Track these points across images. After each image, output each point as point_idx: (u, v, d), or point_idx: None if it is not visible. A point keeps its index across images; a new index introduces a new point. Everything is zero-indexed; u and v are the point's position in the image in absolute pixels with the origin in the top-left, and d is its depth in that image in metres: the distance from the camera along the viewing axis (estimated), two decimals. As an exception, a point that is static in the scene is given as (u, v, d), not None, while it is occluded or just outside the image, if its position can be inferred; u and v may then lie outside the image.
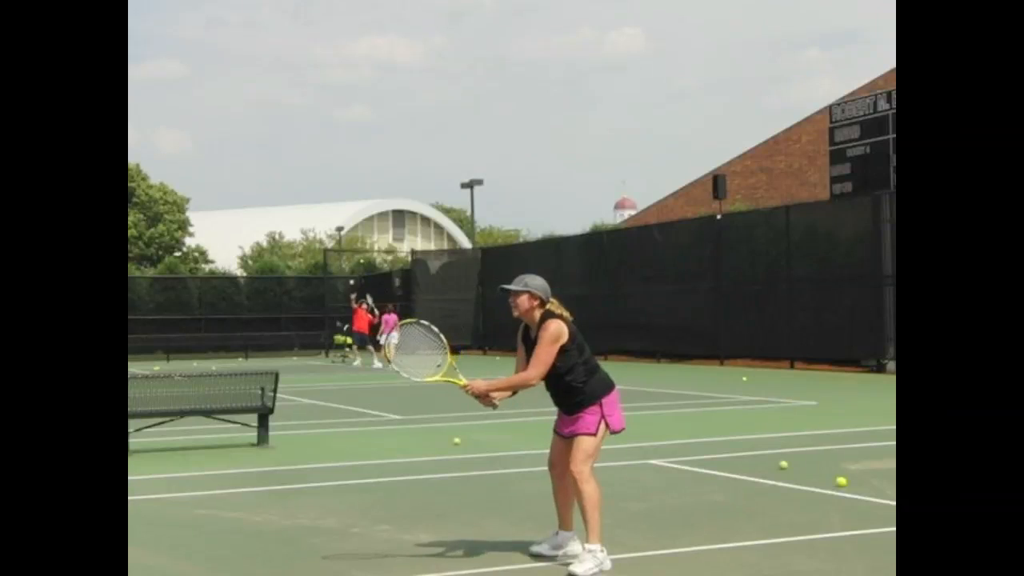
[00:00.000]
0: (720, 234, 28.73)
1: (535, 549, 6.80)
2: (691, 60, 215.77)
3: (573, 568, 6.34)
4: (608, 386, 6.68)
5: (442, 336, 6.82)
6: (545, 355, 6.53)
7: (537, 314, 6.65)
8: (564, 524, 6.78)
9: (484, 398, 6.63)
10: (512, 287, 6.69)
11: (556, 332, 6.55)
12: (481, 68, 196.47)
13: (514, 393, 6.76)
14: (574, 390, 6.58)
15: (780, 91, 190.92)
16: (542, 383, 6.66)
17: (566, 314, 6.68)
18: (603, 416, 6.58)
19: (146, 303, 43.20)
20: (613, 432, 6.65)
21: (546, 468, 6.87)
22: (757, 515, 8.03)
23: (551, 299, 6.72)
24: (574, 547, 6.66)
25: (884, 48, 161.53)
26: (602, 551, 6.39)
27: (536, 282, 6.70)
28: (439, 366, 6.77)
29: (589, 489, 6.47)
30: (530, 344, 6.69)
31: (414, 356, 6.80)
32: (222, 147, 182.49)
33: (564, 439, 6.68)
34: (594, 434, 6.56)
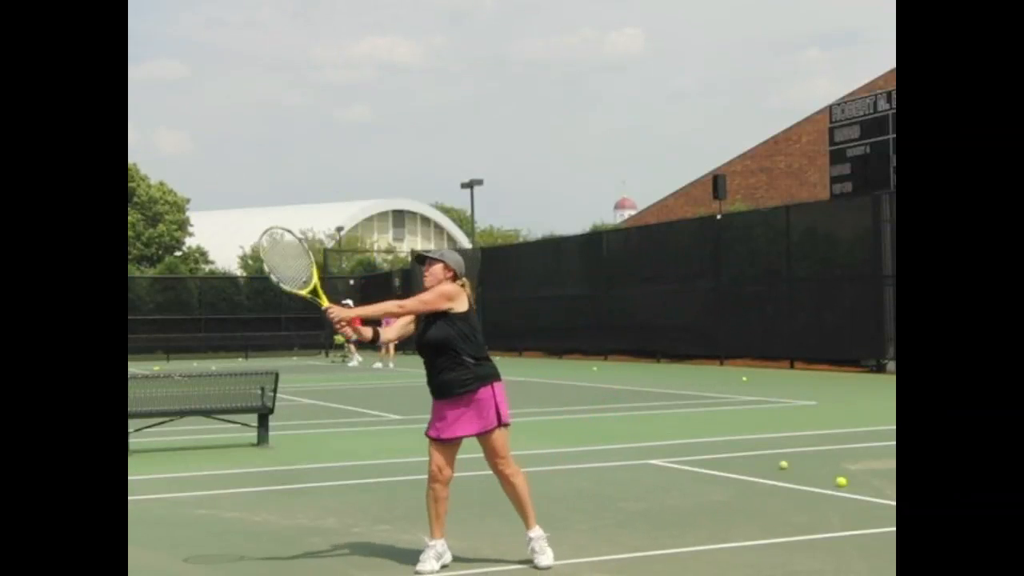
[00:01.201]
0: (720, 234, 28.73)
1: (423, 568, 6.34)
2: (691, 60, 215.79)
3: (539, 561, 6.36)
4: (498, 375, 6.50)
5: (310, 253, 6.78)
6: (429, 298, 6.40)
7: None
8: (441, 532, 6.48)
9: (343, 324, 6.44)
10: (429, 254, 6.65)
11: (452, 290, 6.44)
12: (481, 68, 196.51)
13: (376, 338, 6.64)
14: (463, 367, 6.35)
15: (780, 91, 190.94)
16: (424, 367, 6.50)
17: (471, 294, 6.57)
18: (496, 405, 6.37)
19: (146, 303, 43.23)
20: (501, 425, 6.43)
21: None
22: (757, 515, 8.02)
23: (464, 279, 6.60)
24: (541, 541, 6.45)
25: (884, 48, 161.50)
26: (538, 528, 6.47)
27: (453, 256, 6.65)
28: (306, 282, 6.68)
29: (520, 480, 6.48)
30: (424, 318, 6.53)
31: (286, 265, 6.71)
32: (222, 147, 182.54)
33: (456, 443, 6.44)
34: (507, 424, 6.43)
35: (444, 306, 6.41)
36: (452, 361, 6.39)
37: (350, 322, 6.50)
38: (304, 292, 6.67)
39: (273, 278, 6.70)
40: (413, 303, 6.52)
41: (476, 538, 7.30)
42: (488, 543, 7.15)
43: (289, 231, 6.81)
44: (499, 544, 7.09)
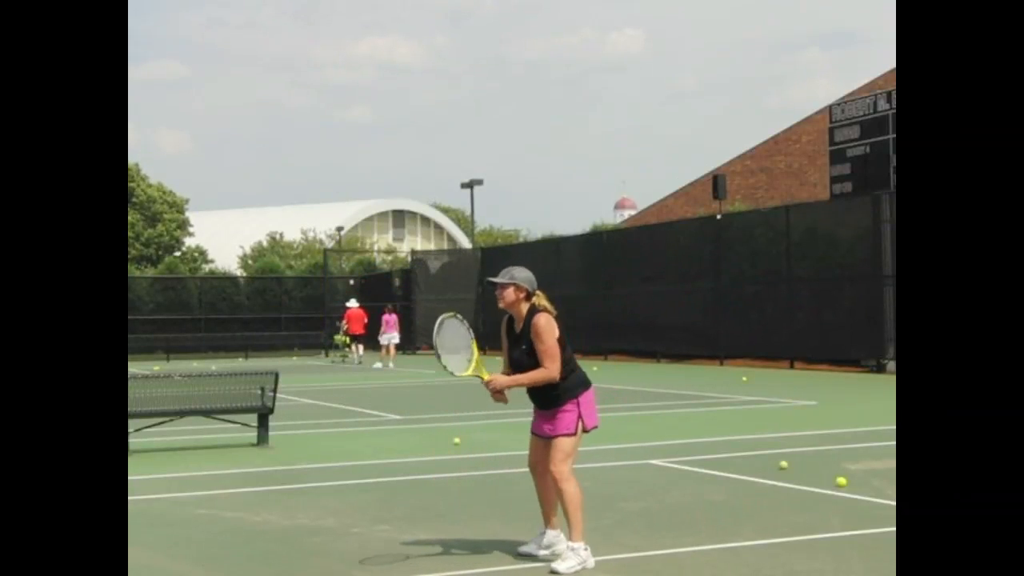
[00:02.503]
0: (720, 234, 28.73)
1: (524, 549, 6.83)
2: (691, 60, 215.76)
3: (556, 566, 6.36)
4: (586, 384, 6.70)
5: (470, 329, 6.89)
6: (553, 348, 6.56)
7: (524, 307, 6.65)
8: (549, 523, 6.81)
9: (500, 393, 6.67)
10: (498, 280, 6.69)
11: (550, 324, 6.57)
12: (482, 69, 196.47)
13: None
14: (554, 385, 6.58)
15: (780, 91, 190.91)
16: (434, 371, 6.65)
17: (551, 308, 6.67)
18: (580, 415, 6.60)
19: (146, 303, 43.21)
20: (587, 430, 6.66)
21: (524, 469, 6.90)
22: (757, 515, 8.02)
23: (537, 291, 6.71)
24: (561, 545, 6.68)
25: (884, 48, 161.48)
26: (585, 549, 6.45)
27: (523, 274, 6.70)
28: (469, 361, 6.80)
29: (570, 488, 6.52)
30: (514, 338, 6.71)
31: (456, 355, 6.80)
32: (222, 147, 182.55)
33: (543, 440, 6.69)
34: (573, 434, 6.58)
35: (558, 339, 6.58)
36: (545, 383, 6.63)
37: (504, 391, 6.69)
38: (469, 372, 6.77)
39: (442, 360, 6.75)
40: (556, 364, 6.55)
41: (476, 538, 7.31)
42: (488, 543, 7.15)
43: (457, 316, 6.91)
44: (499, 544, 7.10)
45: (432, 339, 6.72)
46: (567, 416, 6.59)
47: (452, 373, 6.74)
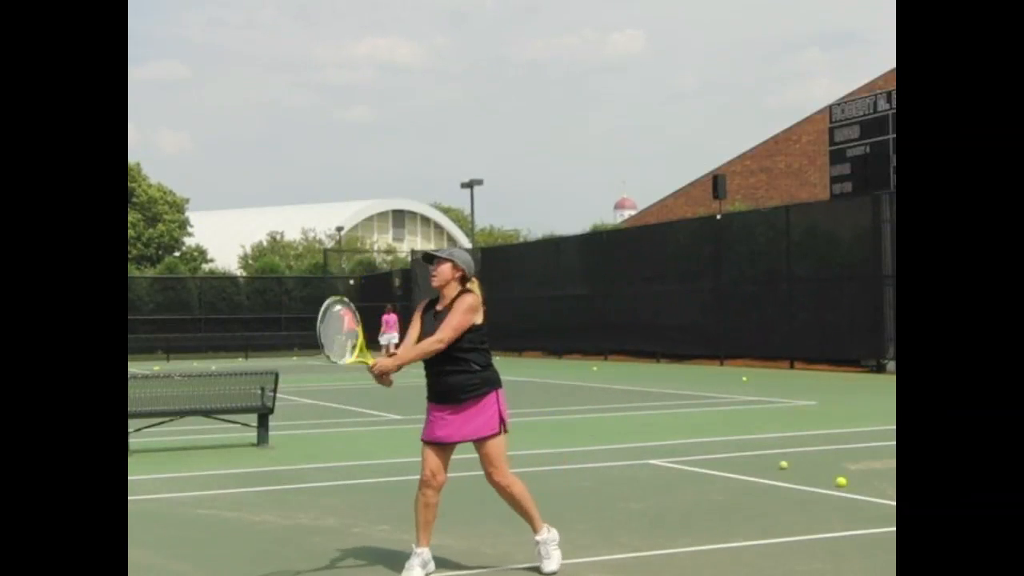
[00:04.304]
0: (720, 234, 28.74)
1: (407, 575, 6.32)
2: (691, 60, 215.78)
3: (547, 567, 6.27)
4: (499, 380, 6.38)
5: (356, 314, 6.51)
6: (458, 322, 6.17)
7: (455, 288, 6.35)
8: (427, 540, 6.36)
9: (385, 377, 6.29)
10: (438, 253, 6.44)
11: (473, 303, 6.27)
12: (482, 69, 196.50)
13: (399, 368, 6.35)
14: (471, 372, 6.22)
15: (780, 91, 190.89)
16: (423, 368, 6.34)
17: (480, 296, 6.39)
18: (500, 410, 6.25)
19: (146, 303, 43.24)
20: (507, 429, 6.36)
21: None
22: (757, 515, 8.02)
23: (473, 279, 6.46)
24: (431, 565, 6.34)
25: (884, 48, 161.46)
26: (549, 530, 6.36)
27: (463, 256, 6.46)
28: (353, 347, 6.41)
29: (519, 489, 6.33)
30: (430, 317, 6.37)
31: (335, 344, 6.41)
32: (222, 147, 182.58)
33: (445, 447, 6.27)
34: (499, 432, 6.26)
35: (472, 322, 6.26)
36: (458, 367, 6.24)
37: (388, 374, 6.30)
38: (353, 359, 6.38)
39: (325, 351, 6.38)
40: (447, 335, 6.18)
41: (476, 538, 7.31)
42: (488, 543, 7.15)
43: (343, 301, 6.56)
44: (499, 545, 7.10)
45: (316, 327, 6.39)
46: (488, 412, 6.21)
47: (335, 363, 6.40)
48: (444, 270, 6.36)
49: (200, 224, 66.69)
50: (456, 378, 6.23)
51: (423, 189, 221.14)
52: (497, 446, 6.25)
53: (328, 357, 6.33)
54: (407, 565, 6.32)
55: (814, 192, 39.04)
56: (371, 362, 6.27)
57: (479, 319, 6.31)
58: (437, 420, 6.28)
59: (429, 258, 6.47)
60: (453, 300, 6.31)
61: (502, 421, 6.27)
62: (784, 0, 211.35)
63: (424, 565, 6.32)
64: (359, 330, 6.41)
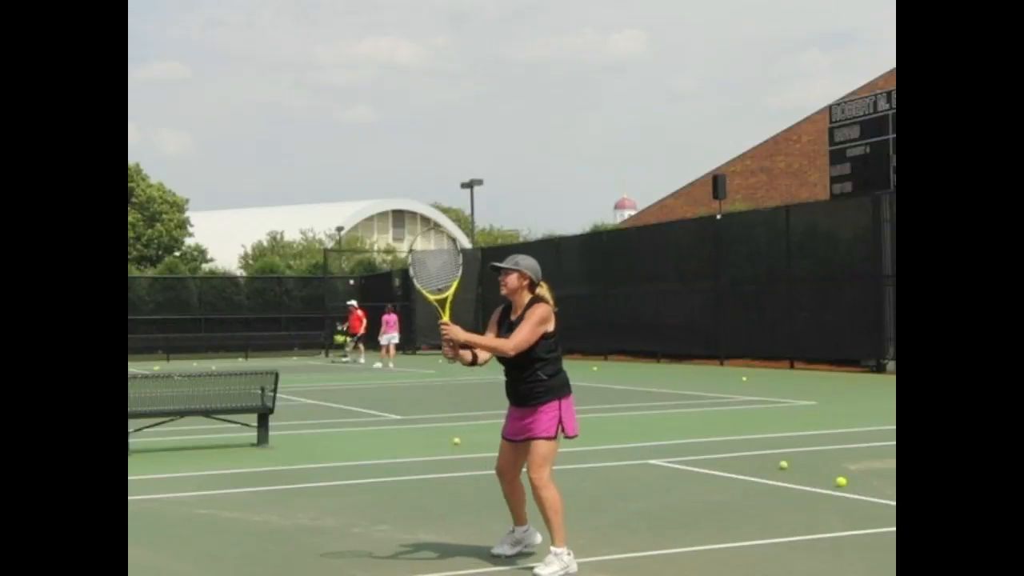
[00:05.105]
0: (720, 234, 28.74)
1: (497, 551, 6.75)
2: (691, 60, 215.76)
3: (538, 570, 6.27)
4: (568, 388, 6.54)
5: (460, 267, 6.67)
6: (529, 333, 6.35)
7: (525, 296, 6.50)
8: (519, 520, 6.73)
9: (453, 347, 6.43)
10: (503, 265, 6.55)
11: (545, 314, 6.41)
12: (482, 69, 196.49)
13: (474, 361, 6.53)
14: (538, 382, 6.41)
15: (780, 91, 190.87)
16: (502, 368, 6.53)
17: (552, 302, 6.54)
18: (560, 419, 6.42)
19: (146, 303, 43.24)
20: (568, 436, 6.52)
21: (524, 469, 6.66)
22: (757, 515, 8.02)
23: (541, 282, 6.59)
24: (535, 537, 6.68)
25: (884, 48, 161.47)
26: (568, 555, 6.32)
27: (528, 262, 6.55)
28: (440, 290, 6.57)
29: (550, 495, 6.36)
30: (507, 326, 6.52)
31: (430, 271, 6.64)
32: (223, 147, 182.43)
33: (515, 444, 6.56)
34: (551, 437, 6.41)
35: (541, 332, 6.41)
36: (529, 375, 6.44)
37: (458, 345, 6.44)
38: (434, 297, 6.56)
39: (411, 271, 6.67)
40: (516, 344, 6.36)
41: (476, 538, 7.31)
42: (488, 543, 7.14)
43: (456, 245, 6.79)
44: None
45: (413, 262, 6.64)
46: (546, 417, 6.40)
47: (421, 290, 6.62)
48: (511, 280, 6.54)
49: (200, 224, 66.66)
50: (525, 386, 6.47)
51: (423, 189, 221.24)
52: (544, 449, 6.42)
53: (416, 276, 6.59)
54: (498, 541, 6.82)
55: (814, 192, 39.03)
56: (445, 318, 6.46)
57: (551, 327, 6.48)
58: (509, 419, 6.63)
59: (496, 270, 6.64)
60: (526, 308, 6.49)
61: (562, 429, 6.46)
62: (784, 0, 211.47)
63: (515, 544, 6.75)
64: (455, 285, 6.57)
